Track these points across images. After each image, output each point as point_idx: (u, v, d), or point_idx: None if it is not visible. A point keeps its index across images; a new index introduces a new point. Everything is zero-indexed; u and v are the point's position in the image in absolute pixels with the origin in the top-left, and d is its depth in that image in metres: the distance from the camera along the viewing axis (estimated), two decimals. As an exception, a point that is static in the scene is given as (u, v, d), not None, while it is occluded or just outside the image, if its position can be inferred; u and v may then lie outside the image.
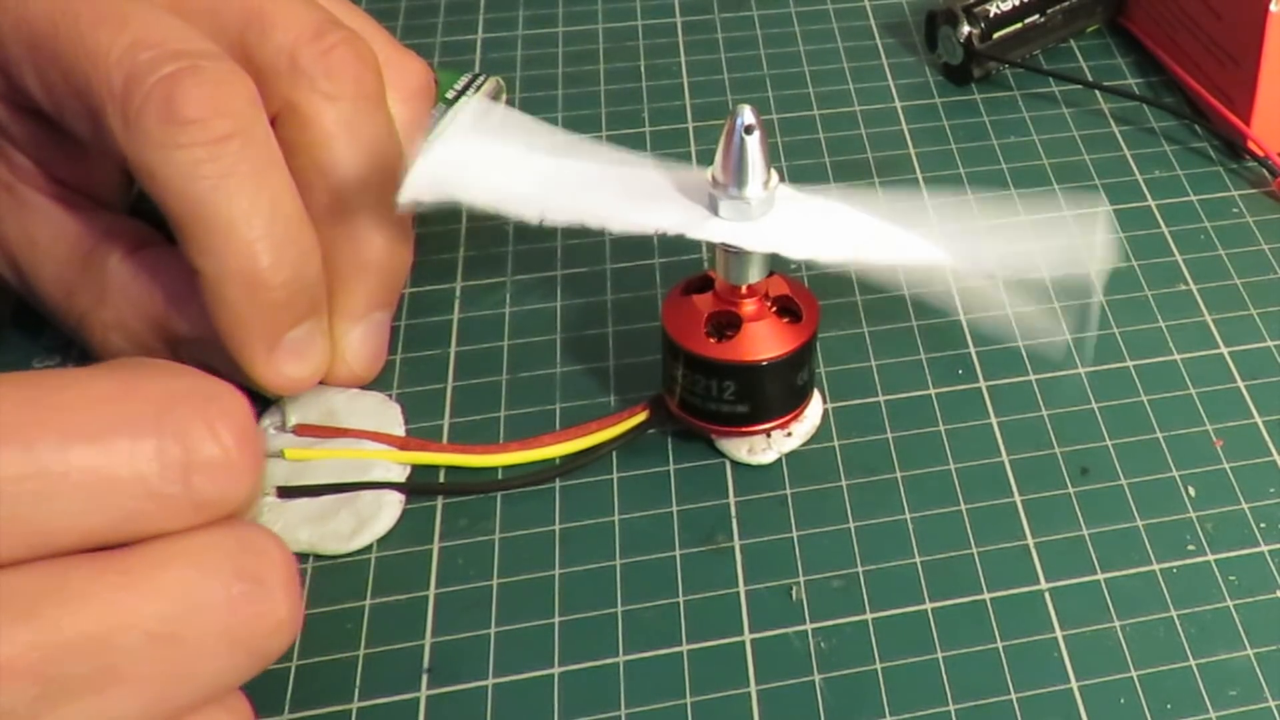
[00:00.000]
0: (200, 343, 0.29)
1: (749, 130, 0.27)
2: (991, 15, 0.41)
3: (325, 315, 0.30)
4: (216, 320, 0.28)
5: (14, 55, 0.27)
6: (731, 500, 0.30)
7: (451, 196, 0.27)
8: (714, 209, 0.28)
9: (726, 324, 0.29)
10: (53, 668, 0.19)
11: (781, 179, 0.28)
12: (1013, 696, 0.26)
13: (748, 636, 0.27)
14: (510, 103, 0.41)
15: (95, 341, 0.30)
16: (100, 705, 0.19)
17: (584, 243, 0.36)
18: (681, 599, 0.28)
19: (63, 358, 0.33)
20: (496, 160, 0.29)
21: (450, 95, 0.40)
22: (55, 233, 0.30)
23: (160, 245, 0.30)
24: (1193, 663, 0.27)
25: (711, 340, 0.29)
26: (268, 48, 0.29)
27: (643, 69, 0.43)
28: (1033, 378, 0.33)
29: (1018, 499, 0.30)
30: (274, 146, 0.28)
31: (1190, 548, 0.29)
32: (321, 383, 0.31)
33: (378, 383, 0.32)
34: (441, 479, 0.30)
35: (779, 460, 0.31)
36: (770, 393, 0.30)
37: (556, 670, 0.27)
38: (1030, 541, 0.29)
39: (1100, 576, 0.28)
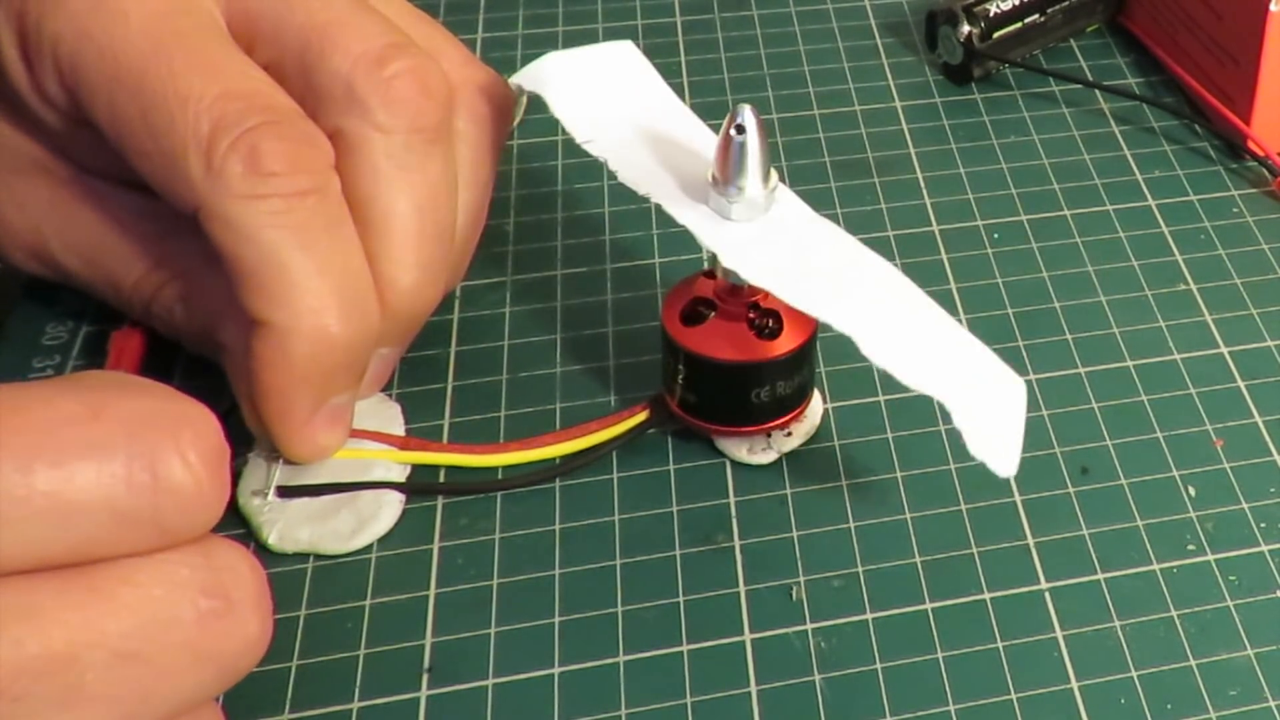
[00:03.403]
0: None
1: (740, 130, 0.27)
2: (991, 15, 0.41)
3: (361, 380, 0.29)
4: (264, 377, 0.27)
5: (91, 83, 0.27)
6: (731, 500, 0.30)
7: (543, 96, 0.30)
8: (721, 212, 0.28)
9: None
10: (16, 685, 0.18)
11: (782, 179, 0.28)
12: (1013, 696, 0.26)
13: (748, 636, 0.27)
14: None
15: (169, 316, 0.30)
16: None
17: (584, 243, 0.36)
18: (681, 599, 0.28)
19: (62, 358, 0.33)
20: (606, 91, 0.30)
21: None
22: (126, 219, 0.30)
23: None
24: (1193, 662, 0.27)
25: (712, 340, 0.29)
26: (324, 71, 0.28)
27: (643, 69, 0.43)
28: (1033, 378, 0.33)
29: (1018, 499, 0.30)
30: (345, 207, 0.28)
31: (1190, 547, 0.29)
32: None
33: (378, 383, 0.32)
34: (441, 479, 0.30)
35: (779, 460, 0.31)
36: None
37: (556, 670, 0.27)
38: (1030, 541, 0.29)
39: (1100, 576, 0.28)
